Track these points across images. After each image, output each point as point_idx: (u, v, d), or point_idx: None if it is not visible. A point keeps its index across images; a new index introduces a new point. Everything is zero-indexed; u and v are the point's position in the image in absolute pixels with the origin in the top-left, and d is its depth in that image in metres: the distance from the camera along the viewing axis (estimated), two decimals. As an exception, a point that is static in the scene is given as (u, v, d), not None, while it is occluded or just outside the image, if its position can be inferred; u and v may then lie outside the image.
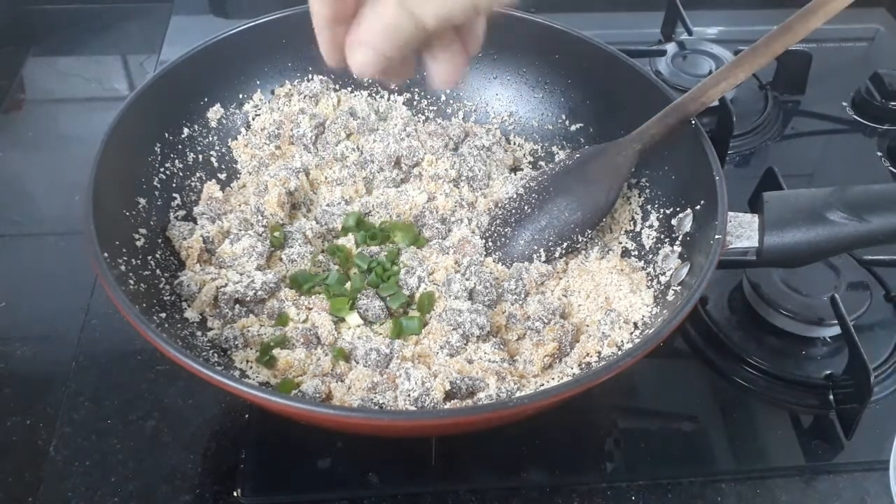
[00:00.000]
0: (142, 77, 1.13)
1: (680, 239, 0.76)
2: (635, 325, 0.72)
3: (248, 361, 0.71)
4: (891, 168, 1.04)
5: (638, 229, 0.82)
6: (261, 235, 0.79)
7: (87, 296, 0.84)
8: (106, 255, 0.65)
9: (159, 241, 0.76)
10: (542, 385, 0.70)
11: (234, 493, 0.69)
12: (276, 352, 0.71)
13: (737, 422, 0.77)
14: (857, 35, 1.27)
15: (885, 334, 0.82)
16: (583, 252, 0.81)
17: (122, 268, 0.67)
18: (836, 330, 0.79)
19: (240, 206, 0.82)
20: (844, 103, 1.13)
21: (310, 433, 0.71)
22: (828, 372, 0.79)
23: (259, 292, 0.74)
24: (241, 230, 0.78)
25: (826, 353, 0.81)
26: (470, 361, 0.71)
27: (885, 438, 0.72)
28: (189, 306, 0.73)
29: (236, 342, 0.71)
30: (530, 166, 0.92)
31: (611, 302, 0.76)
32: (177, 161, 0.82)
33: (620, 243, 0.82)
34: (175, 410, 0.75)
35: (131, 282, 0.67)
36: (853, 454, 0.74)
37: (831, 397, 0.77)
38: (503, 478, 0.72)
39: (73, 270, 0.86)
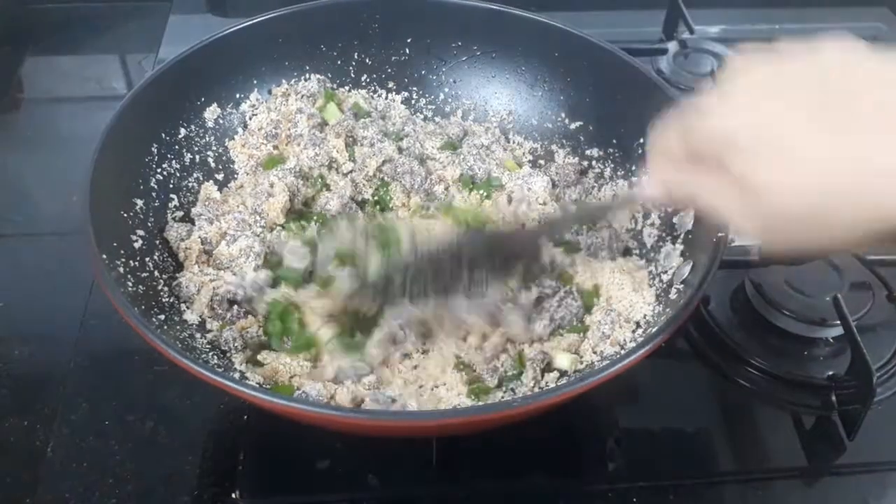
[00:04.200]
0: (140, 76, 1.12)
1: (682, 237, 0.75)
2: (637, 323, 0.72)
3: (247, 363, 0.70)
4: (893, 167, 1.03)
5: (639, 227, 0.82)
6: (258, 236, 0.78)
7: (85, 296, 0.83)
8: (104, 256, 0.64)
9: (157, 242, 0.76)
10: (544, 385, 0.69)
11: (233, 495, 0.69)
12: (261, 356, 0.71)
13: (739, 423, 0.76)
14: (859, 34, 1.25)
15: (888, 335, 0.81)
16: (583, 249, 0.81)
17: (121, 269, 0.67)
18: (839, 330, 0.79)
19: (237, 206, 0.82)
20: (846, 102, 1.12)
21: (309, 434, 0.71)
22: (830, 373, 0.78)
23: (249, 291, 0.73)
24: (238, 231, 0.78)
25: (828, 354, 0.81)
26: None
27: (888, 439, 0.72)
28: (188, 308, 0.72)
29: (235, 343, 0.71)
30: (530, 165, 0.91)
31: (612, 301, 0.75)
32: (174, 162, 0.82)
33: (622, 241, 0.82)
34: (173, 411, 0.74)
35: (130, 284, 0.67)
36: (856, 455, 0.74)
37: (834, 398, 0.77)
38: (504, 479, 0.72)
39: (71, 271, 0.85)
